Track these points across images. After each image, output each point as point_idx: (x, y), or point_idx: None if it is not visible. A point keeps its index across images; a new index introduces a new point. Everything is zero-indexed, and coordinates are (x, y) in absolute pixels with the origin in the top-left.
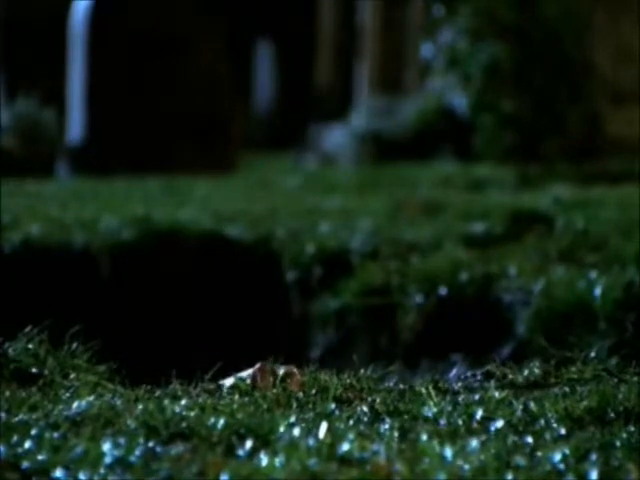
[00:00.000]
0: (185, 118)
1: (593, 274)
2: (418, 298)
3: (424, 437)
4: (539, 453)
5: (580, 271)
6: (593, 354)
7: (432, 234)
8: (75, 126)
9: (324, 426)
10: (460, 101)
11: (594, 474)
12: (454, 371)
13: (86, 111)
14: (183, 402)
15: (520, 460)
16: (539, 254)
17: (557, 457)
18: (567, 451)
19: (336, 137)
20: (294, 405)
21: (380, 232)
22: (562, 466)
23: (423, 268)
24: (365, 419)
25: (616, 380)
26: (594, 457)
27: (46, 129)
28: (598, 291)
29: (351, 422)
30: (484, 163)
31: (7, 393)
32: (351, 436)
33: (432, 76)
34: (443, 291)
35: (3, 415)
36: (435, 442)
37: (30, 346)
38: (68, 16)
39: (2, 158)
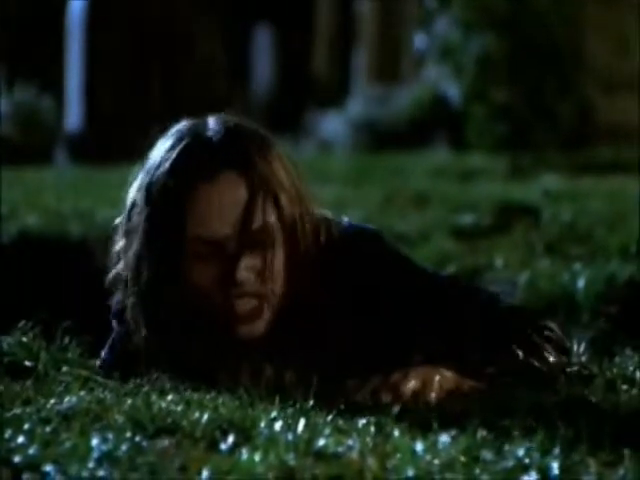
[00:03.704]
0: (183, 104)
1: (577, 267)
2: None
3: (397, 432)
4: (506, 447)
5: (565, 263)
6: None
7: (421, 225)
8: (73, 114)
9: (302, 421)
10: (453, 91)
11: (555, 468)
12: None
13: (84, 99)
14: (170, 397)
15: (487, 454)
16: (526, 246)
17: (521, 452)
18: (532, 445)
19: (333, 124)
20: (276, 401)
21: (371, 223)
22: (527, 460)
23: None
24: (345, 414)
25: (586, 373)
26: (557, 452)
27: (45, 117)
28: (581, 283)
29: (330, 417)
30: (476, 153)
31: (1, 387)
32: (327, 431)
33: (426, 66)
34: None
35: None
36: (407, 437)
37: (24, 339)
38: (67, 3)
39: (1, 146)
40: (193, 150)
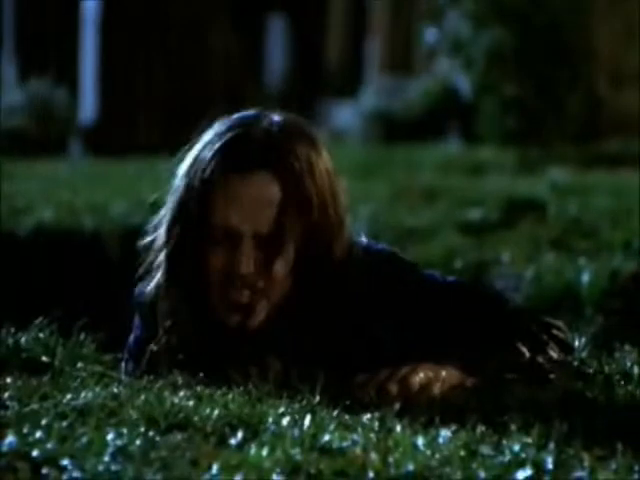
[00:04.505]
0: (196, 97)
1: (582, 262)
2: None
3: (399, 428)
4: (504, 442)
5: (570, 259)
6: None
7: (429, 220)
8: (88, 106)
9: (308, 417)
10: (464, 84)
11: (550, 463)
12: None
13: (99, 91)
14: (182, 393)
15: (485, 449)
16: (532, 241)
17: (517, 447)
18: (529, 440)
19: (345, 115)
20: (284, 397)
21: (379, 218)
22: (523, 455)
23: (419, 255)
24: (350, 409)
25: (585, 369)
26: (552, 446)
27: (59, 109)
28: (586, 278)
29: (335, 413)
30: (486, 146)
31: (19, 382)
32: (332, 427)
33: (438, 58)
34: None
35: (15, 405)
36: (409, 432)
37: (41, 336)
38: None
39: (15, 138)
40: (237, 143)
